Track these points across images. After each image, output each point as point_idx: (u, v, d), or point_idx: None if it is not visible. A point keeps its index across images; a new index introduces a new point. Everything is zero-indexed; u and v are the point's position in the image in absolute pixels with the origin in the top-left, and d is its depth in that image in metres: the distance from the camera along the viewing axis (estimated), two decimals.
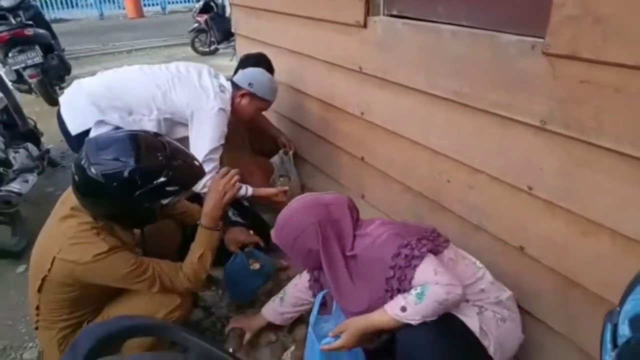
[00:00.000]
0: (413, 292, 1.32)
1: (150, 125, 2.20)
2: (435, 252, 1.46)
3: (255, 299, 2.26)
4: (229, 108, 2.33)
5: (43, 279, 1.52)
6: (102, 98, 2.21)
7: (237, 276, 2.14)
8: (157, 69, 2.36)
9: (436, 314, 1.30)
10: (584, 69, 1.26)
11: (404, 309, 1.30)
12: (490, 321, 1.41)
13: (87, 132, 2.19)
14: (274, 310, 1.92)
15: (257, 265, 2.12)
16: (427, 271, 1.34)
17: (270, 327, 2.08)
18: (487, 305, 1.44)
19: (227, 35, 7.63)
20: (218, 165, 2.26)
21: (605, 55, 1.19)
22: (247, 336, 1.94)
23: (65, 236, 1.49)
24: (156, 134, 1.62)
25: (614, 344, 0.65)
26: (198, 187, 2.04)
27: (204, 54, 8.27)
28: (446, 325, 1.32)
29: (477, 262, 1.54)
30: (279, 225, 1.60)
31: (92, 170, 1.42)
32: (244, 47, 3.59)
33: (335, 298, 1.59)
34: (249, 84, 2.39)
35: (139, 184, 1.44)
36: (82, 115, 2.21)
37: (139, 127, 2.11)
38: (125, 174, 1.42)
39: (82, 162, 1.44)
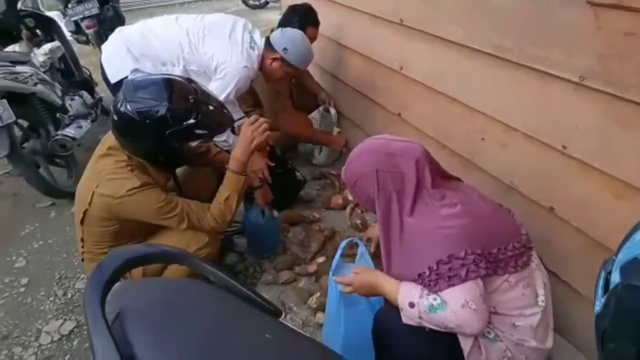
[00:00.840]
0: (432, 300, 1.21)
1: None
2: (493, 273, 1.26)
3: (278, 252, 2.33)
4: (255, 66, 2.30)
5: (85, 212, 1.67)
6: (137, 46, 2.26)
7: (254, 228, 2.22)
8: (191, 20, 2.34)
9: (434, 327, 1.22)
10: (630, 20, 1.17)
11: (412, 305, 1.22)
12: (495, 353, 1.27)
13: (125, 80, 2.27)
14: None
15: (275, 213, 2.18)
16: (456, 297, 1.19)
17: (298, 273, 2.18)
18: (504, 339, 1.28)
19: None
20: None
21: None
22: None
23: (103, 172, 1.62)
24: (189, 80, 1.69)
25: (605, 291, 0.65)
26: (219, 138, 2.15)
27: (254, 7, 8.23)
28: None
29: (541, 300, 1.32)
30: (347, 163, 1.47)
31: (128, 107, 1.52)
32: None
33: (381, 249, 1.45)
34: (284, 49, 2.31)
35: (170, 123, 1.53)
36: (119, 63, 2.28)
37: None
38: (158, 112, 1.51)
39: (120, 101, 1.54)
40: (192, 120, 1.56)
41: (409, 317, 1.23)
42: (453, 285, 1.19)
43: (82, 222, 1.70)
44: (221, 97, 2.13)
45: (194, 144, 1.64)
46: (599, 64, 1.28)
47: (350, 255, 1.94)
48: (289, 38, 2.36)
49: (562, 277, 1.58)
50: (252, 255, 2.34)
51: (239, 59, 2.22)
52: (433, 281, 1.22)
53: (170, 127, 1.53)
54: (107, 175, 1.61)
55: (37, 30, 3.58)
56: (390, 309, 1.31)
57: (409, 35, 2.13)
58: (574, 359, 1.61)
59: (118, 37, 2.35)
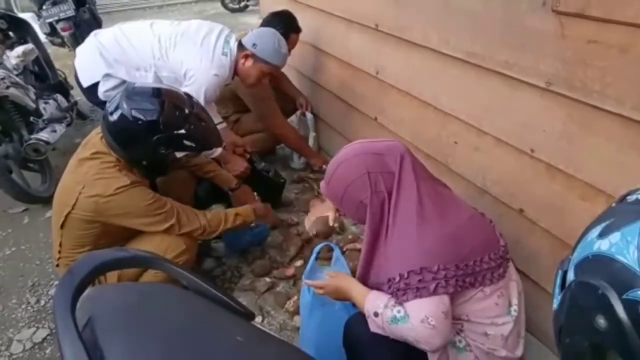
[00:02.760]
0: (395, 312, 1.21)
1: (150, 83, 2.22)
2: (469, 287, 1.25)
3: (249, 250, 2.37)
4: (226, 73, 2.28)
5: (66, 216, 1.66)
6: (111, 51, 2.24)
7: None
8: (166, 26, 2.31)
9: (398, 338, 1.23)
10: (592, 28, 1.22)
11: (376, 315, 1.23)
12: None
13: (97, 85, 2.25)
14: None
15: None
16: (417, 312, 1.18)
17: (276, 277, 2.18)
18: (475, 348, 1.28)
19: None
20: None
21: (613, 13, 1.15)
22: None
23: (88, 174, 1.63)
24: (189, 96, 1.74)
25: (562, 288, 0.68)
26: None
27: (233, 10, 8.22)
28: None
29: (514, 310, 1.32)
30: (327, 177, 1.41)
31: (124, 106, 1.56)
32: (267, 2, 3.58)
33: (362, 254, 1.40)
34: (253, 45, 2.29)
35: (160, 128, 1.57)
36: (92, 67, 2.27)
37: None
38: (151, 115, 1.55)
39: (117, 100, 1.58)
40: (182, 131, 1.61)
41: (374, 326, 1.25)
42: (420, 297, 1.19)
43: (62, 225, 1.69)
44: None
45: (179, 154, 1.67)
46: (564, 70, 1.32)
47: (326, 258, 1.95)
48: (258, 34, 2.34)
49: (531, 276, 1.63)
50: (231, 251, 2.36)
51: (208, 66, 2.20)
52: (401, 290, 1.22)
53: (159, 132, 1.57)
54: (93, 176, 1.61)
55: (10, 32, 3.51)
56: (360, 317, 1.32)
57: (384, 40, 2.17)
58: (541, 355, 1.65)
59: (92, 42, 2.33)
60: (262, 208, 2.16)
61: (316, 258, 1.68)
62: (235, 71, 2.35)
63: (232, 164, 2.40)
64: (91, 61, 2.27)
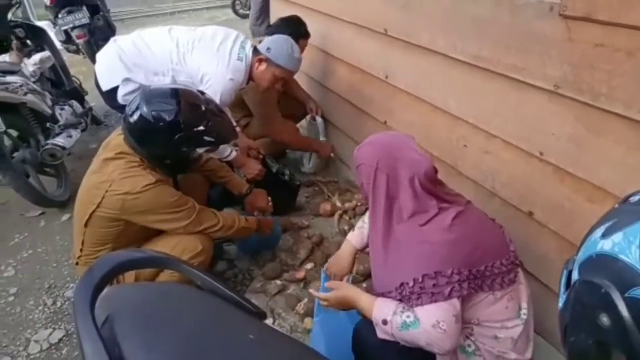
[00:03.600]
0: (405, 317, 1.23)
1: None
2: (478, 291, 1.27)
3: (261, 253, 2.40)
4: (242, 79, 2.33)
5: (92, 214, 1.71)
6: (130, 56, 2.29)
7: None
8: (184, 31, 2.37)
9: (406, 344, 1.24)
10: (599, 32, 1.23)
11: (385, 323, 1.24)
12: None
13: (117, 89, 2.30)
14: (361, 236, 1.72)
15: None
16: (429, 317, 1.20)
17: (287, 280, 2.21)
18: (485, 352, 1.29)
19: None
20: None
21: (620, 17, 1.17)
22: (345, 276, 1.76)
23: (115, 172, 1.68)
24: (202, 93, 1.80)
25: (567, 288, 0.69)
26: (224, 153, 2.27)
27: (244, 16, 8.27)
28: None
29: (524, 313, 1.34)
30: (363, 143, 1.47)
31: (145, 109, 1.61)
32: (277, 9, 3.62)
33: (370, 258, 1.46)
34: (267, 49, 2.34)
35: (182, 127, 1.63)
36: (112, 72, 2.31)
37: None
38: (172, 116, 1.62)
39: (136, 104, 1.64)
40: (202, 128, 1.68)
41: (383, 333, 1.26)
42: (436, 301, 1.20)
43: (86, 224, 1.74)
44: None
45: (201, 150, 1.75)
46: (572, 73, 1.33)
47: None
48: (273, 39, 2.40)
49: (541, 278, 1.63)
50: (245, 255, 2.40)
51: (224, 71, 2.25)
52: (415, 294, 1.22)
53: (181, 131, 1.63)
54: (120, 175, 1.67)
55: (28, 41, 3.58)
56: (368, 322, 1.33)
57: (393, 45, 2.19)
58: (551, 357, 1.65)
59: (112, 47, 2.37)
60: (264, 224, 2.19)
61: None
62: (251, 76, 2.40)
63: (247, 168, 2.46)
64: (111, 66, 2.32)
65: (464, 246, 1.26)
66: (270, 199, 2.35)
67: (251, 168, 2.46)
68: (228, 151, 2.35)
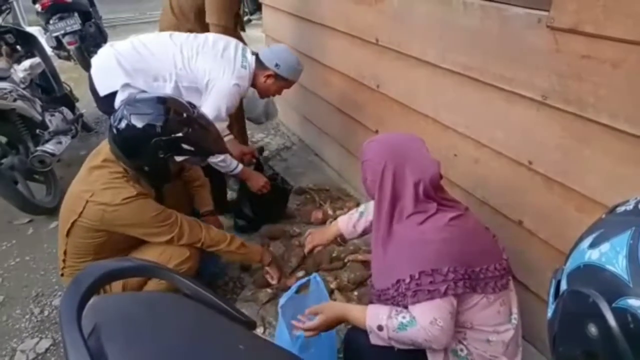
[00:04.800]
0: (400, 318, 1.23)
1: (170, 92, 2.25)
2: (471, 291, 1.28)
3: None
4: (246, 85, 2.35)
5: (73, 223, 1.68)
6: (130, 60, 2.27)
7: None
8: (185, 37, 2.37)
9: (402, 345, 1.25)
10: (585, 44, 1.25)
11: (380, 328, 1.24)
12: None
13: (114, 94, 2.25)
14: (349, 222, 1.80)
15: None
16: (426, 314, 1.21)
17: (278, 288, 2.20)
18: (477, 356, 1.30)
19: (260, 6, 7.62)
20: (227, 121, 2.36)
21: (606, 29, 1.19)
22: (319, 248, 1.91)
23: (97, 182, 1.66)
24: (190, 103, 1.76)
25: (556, 297, 0.70)
26: (215, 158, 2.23)
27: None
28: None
29: (514, 318, 1.36)
30: (373, 139, 1.50)
31: (124, 111, 1.60)
32: (270, 17, 3.64)
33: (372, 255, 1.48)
34: (276, 65, 2.38)
35: (159, 131, 1.59)
36: (110, 77, 2.27)
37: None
38: (150, 119, 1.59)
39: (121, 109, 1.62)
40: (180, 134, 1.63)
41: (377, 338, 1.26)
42: (432, 298, 1.22)
43: (68, 233, 1.71)
44: (213, 115, 2.18)
45: (179, 158, 1.68)
46: (560, 84, 1.35)
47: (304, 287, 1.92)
48: (278, 54, 2.43)
49: (531, 287, 1.64)
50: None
51: (230, 77, 2.26)
52: (411, 290, 1.24)
53: (158, 135, 1.59)
54: (102, 185, 1.64)
55: (18, 46, 3.56)
56: (358, 329, 1.33)
57: (384, 54, 2.21)
58: None
59: (109, 51, 2.33)
60: (272, 262, 2.16)
61: (296, 291, 1.66)
62: (253, 84, 2.44)
63: (252, 181, 2.48)
64: (109, 70, 2.27)
65: (459, 245, 1.29)
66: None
67: (256, 181, 2.48)
68: (234, 165, 2.37)
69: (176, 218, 1.78)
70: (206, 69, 2.27)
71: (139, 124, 1.59)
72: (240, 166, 2.40)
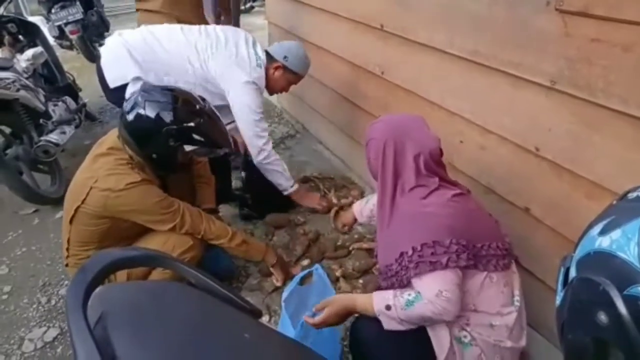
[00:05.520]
0: (407, 295, 1.24)
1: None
2: (473, 267, 1.29)
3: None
4: (262, 84, 2.35)
5: (76, 209, 1.68)
6: (142, 54, 2.24)
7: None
8: (197, 32, 2.34)
9: (414, 324, 1.25)
10: (596, 27, 1.22)
11: (388, 308, 1.25)
12: (470, 358, 1.29)
13: (125, 86, 2.23)
14: (360, 205, 1.94)
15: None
16: (431, 287, 1.22)
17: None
18: (481, 342, 1.29)
19: None
20: (266, 137, 2.35)
21: (616, 12, 1.16)
22: (345, 229, 2.10)
23: (102, 169, 1.66)
24: (202, 97, 1.80)
25: (565, 285, 0.69)
26: (257, 158, 2.34)
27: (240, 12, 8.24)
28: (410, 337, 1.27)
29: (517, 299, 1.35)
30: (377, 119, 1.54)
31: (139, 98, 1.64)
32: (273, 4, 3.60)
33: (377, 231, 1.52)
34: (284, 57, 2.38)
35: (171, 119, 1.62)
36: (121, 69, 2.24)
37: None
38: (164, 107, 1.63)
39: (135, 97, 1.66)
40: (192, 124, 1.66)
41: (389, 320, 1.25)
42: (434, 270, 1.22)
43: (71, 220, 1.71)
44: (255, 117, 2.27)
45: (188, 148, 1.69)
46: (569, 69, 1.33)
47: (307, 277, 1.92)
48: (287, 47, 2.44)
49: (538, 275, 1.63)
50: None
51: (248, 79, 2.26)
52: (414, 262, 1.25)
53: (171, 123, 1.62)
54: (106, 171, 1.65)
55: (20, 36, 3.55)
56: (363, 319, 1.34)
57: (389, 40, 2.18)
58: (549, 355, 1.65)
59: (119, 41, 2.29)
60: (277, 264, 2.13)
61: (299, 283, 1.66)
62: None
63: (305, 201, 2.53)
64: (120, 62, 2.25)
65: (461, 219, 1.31)
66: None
67: (310, 200, 2.51)
68: (289, 183, 2.43)
69: (179, 206, 1.79)
70: (223, 72, 2.27)
71: (153, 111, 1.61)
72: (296, 186, 2.46)
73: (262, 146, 2.33)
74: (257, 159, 2.36)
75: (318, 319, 1.36)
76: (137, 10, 2.93)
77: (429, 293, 1.21)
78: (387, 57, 2.25)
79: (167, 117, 1.62)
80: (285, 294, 1.55)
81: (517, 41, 1.48)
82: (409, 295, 1.24)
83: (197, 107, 1.71)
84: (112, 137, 1.77)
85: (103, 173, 1.65)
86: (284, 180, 2.44)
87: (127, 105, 1.67)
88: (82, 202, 1.66)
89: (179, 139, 1.66)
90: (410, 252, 1.26)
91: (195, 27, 2.38)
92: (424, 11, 1.91)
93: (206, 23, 2.91)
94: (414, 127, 1.44)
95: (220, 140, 1.81)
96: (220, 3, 3.15)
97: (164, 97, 1.65)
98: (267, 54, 2.42)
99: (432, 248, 1.23)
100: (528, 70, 1.46)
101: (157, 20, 2.66)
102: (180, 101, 1.67)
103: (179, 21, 2.66)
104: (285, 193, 2.46)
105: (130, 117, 1.64)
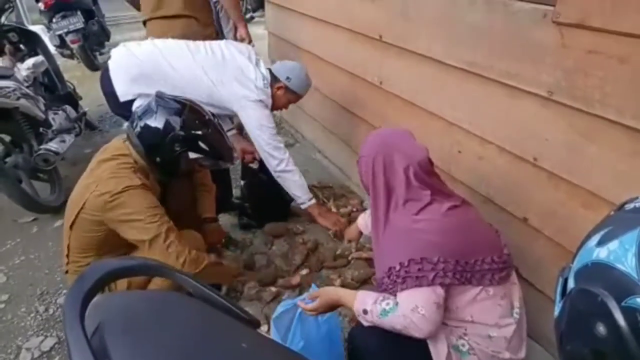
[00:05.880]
0: (384, 305, 1.26)
1: None
2: (467, 283, 1.29)
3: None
4: (269, 102, 2.38)
5: (77, 215, 1.68)
6: (152, 70, 2.25)
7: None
8: (202, 50, 2.33)
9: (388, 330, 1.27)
10: (592, 39, 1.24)
11: (365, 312, 1.29)
12: None
13: (132, 101, 2.26)
14: (365, 220, 1.91)
15: None
16: (409, 300, 1.23)
17: (281, 286, 2.19)
18: (479, 352, 1.30)
19: (262, 3, 7.58)
20: (283, 147, 2.38)
21: (613, 24, 1.17)
22: (352, 244, 2.09)
23: (104, 173, 1.68)
24: (212, 113, 1.88)
25: (563, 296, 0.69)
26: (277, 168, 2.36)
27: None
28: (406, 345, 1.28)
29: (516, 312, 1.36)
30: (367, 136, 1.56)
31: (153, 103, 1.72)
32: (273, 14, 3.63)
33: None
34: (287, 78, 2.41)
35: (180, 125, 1.69)
36: (132, 85, 2.25)
37: None
38: (174, 113, 1.70)
39: (148, 102, 1.75)
40: (199, 132, 1.72)
41: (365, 322, 1.30)
42: (420, 285, 1.23)
43: (72, 226, 1.71)
44: (270, 132, 2.31)
45: (193, 156, 1.74)
46: (566, 80, 1.34)
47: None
48: (290, 68, 2.46)
49: (536, 284, 1.63)
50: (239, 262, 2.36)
51: (256, 99, 2.29)
52: (401, 277, 1.26)
53: (178, 129, 1.68)
54: (108, 175, 1.67)
55: (21, 45, 3.57)
56: (361, 327, 1.35)
57: (388, 51, 2.20)
58: None
59: (127, 56, 2.30)
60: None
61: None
62: None
63: (323, 220, 2.46)
64: (131, 76, 2.26)
65: (453, 236, 1.31)
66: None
67: (327, 220, 2.46)
68: (307, 196, 2.42)
69: (162, 222, 1.71)
70: (233, 97, 2.29)
71: (163, 116, 1.69)
72: (313, 201, 2.45)
73: (281, 157, 2.34)
74: (276, 169, 2.37)
75: (308, 306, 1.44)
76: (149, 20, 2.84)
77: (405, 307, 1.23)
78: (386, 68, 2.27)
79: (177, 122, 1.68)
80: (275, 313, 1.55)
81: (515, 52, 1.49)
82: (387, 304, 1.26)
83: (207, 117, 1.78)
84: (116, 143, 1.81)
85: (105, 177, 1.66)
86: (301, 193, 2.42)
87: (140, 110, 1.73)
88: (82, 207, 1.66)
89: (185, 145, 1.71)
90: (397, 267, 1.28)
91: (202, 45, 2.37)
92: (422, 22, 1.92)
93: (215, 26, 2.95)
94: (400, 140, 1.46)
95: (224, 153, 1.85)
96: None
97: (175, 104, 1.72)
98: (270, 72, 2.43)
99: (419, 264, 1.25)
100: (525, 81, 1.47)
101: (175, 26, 2.67)
102: (191, 110, 1.74)
103: (198, 23, 2.73)
104: (303, 207, 2.44)
105: (142, 120, 1.70)
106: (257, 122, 2.31)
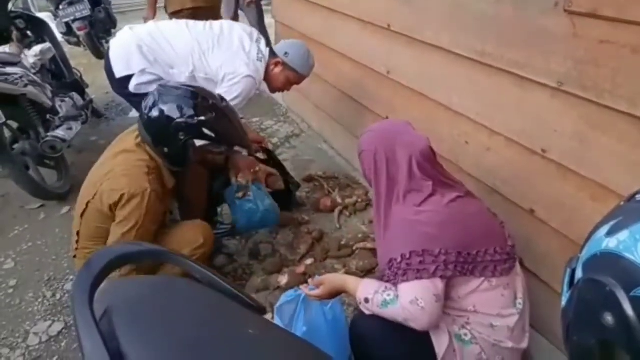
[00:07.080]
0: (385, 295, 1.27)
1: (185, 81, 2.27)
2: (470, 274, 1.30)
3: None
4: (260, 78, 2.36)
5: (87, 204, 1.70)
6: (148, 47, 2.30)
7: (230, 201, 2.24)
8: (201, 27, 2.38)
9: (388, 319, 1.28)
10: (605, 28, 1.22)
11: (367, 301, 1.30)
12: (470, 355, 1.30)
13: (130, 77, 2.30)
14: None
15: (240, 194, 2.17)
16: (408, 294, 1.24)
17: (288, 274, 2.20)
18: (481, 341, 1.30)
19: None
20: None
21: (626, 13, 1.15)
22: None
23: (120, 165, 1.69)
24: (221, 96, 1.83)
25: (570, 286, 0.69)
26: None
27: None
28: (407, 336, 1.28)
29: (519, 303, 1.35)
30: (365, 131, 1.56)
31: (156, 93, 1.70)
32: (280, 2, 3.61)
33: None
34: (285, 53, 2.39)
35: (183, 112, 1.65)
36: (128, 61, 2.30)
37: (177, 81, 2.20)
38: (177, 99, 1.67)
39: (152, 92, 1.73)
40: (203, 118, 1.67)
41: (366, 310, 1.32)
42: (420, 278, 1.24)
43: (82, 214, 1.73)
44: (239, 105, 2.23)
45: (199, 143, 1.71)
46: (576, 70, 1.32)
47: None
48: (289, 44, 2.45)
49: (542, 276, 1.63)
50: (244, 250, 2.39)
51: (245, 70, 2.27)
52: (402, 270, 1.27)
53: (182, 116, 1.65)
54: (122, 170, 1.67)
55: (28, 32, 3.57)
56: (363, 316, 1.36)
57: (396, 40, 2.18)
58: (552, 358, 1.64)
59: (130, 35, 2.35)
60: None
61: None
62: (265, 75, 2.42)
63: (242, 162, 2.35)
64: (130, 55, 2.30)
65: (455, 228, 1.31)
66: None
67: (244, 162, 2.34)
68: None
69: (138, 232, 1.67)
70: (222, 63, 2.28)
71: (165, 105, 1.66)
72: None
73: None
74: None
75: (313, 292, 1.46)
76: (175, 13, 2.88)
77: (405, 299, 1.24)
78: (394, 57, 2.25)
79: (178, 110, 1.65)
80: (279, 302, 1.56)
81: (524, 42, 1.47)
82: (388, 296, 1.27)
83: (211, 102, 1.72)
84: (130, 137, 1.79)
85: (119, 171, 1.67)
86: None
87: (146, 104, 1.71)
88: (93, 197, 1.68)
89: (189, 132, 1.68)
90: (399, 259, 1.28)
91: (201, 23, 2.41)
92: (430, 11, 1.90)
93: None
94: (400, 131, 1.46)
95: (233, 137, 1.82)
96: None
97: (177, 91, 1.69)
98: (271, 50, 2.42)
99: (420, 257, 1.25)
100: (535, 71, 1.45)
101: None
102: (193, 97, 1.69)
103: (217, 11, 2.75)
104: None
105: (147, 111, 1.68)
106: (234, 92, 2.26)
